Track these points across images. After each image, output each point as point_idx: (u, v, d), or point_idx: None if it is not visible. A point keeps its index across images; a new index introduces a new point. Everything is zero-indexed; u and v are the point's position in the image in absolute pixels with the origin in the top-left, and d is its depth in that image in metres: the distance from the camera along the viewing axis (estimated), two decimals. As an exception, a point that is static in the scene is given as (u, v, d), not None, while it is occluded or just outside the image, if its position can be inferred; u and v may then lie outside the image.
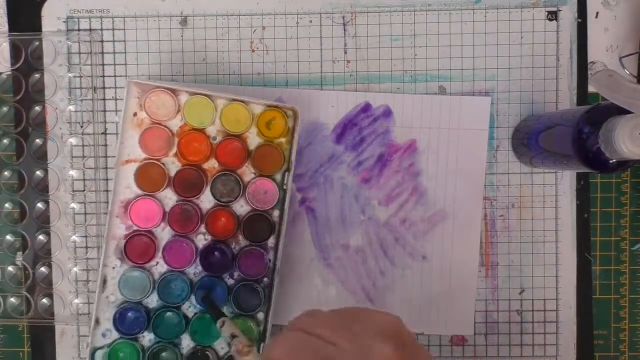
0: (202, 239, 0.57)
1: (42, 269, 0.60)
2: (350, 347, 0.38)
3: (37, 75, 0.59)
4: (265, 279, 0.57)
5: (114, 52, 0.60)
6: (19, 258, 0.60)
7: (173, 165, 0.57)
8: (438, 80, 0.59)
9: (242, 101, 0.56)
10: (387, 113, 0.59)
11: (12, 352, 0.60)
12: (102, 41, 0.60)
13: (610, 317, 0.60)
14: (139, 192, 0.57)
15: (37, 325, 0.60)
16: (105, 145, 0.60)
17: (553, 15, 0.59)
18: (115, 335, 0.56)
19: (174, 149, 0.57)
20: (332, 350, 0.38)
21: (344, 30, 0.59)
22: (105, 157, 0.60)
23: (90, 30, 0.60)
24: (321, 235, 0.60)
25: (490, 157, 0.59)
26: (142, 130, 0.56)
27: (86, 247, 0.60)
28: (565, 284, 0.60)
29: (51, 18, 0.59)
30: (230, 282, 0.57)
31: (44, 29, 0.59)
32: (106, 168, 0.60)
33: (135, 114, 0.56)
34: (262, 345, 0.56)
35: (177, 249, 0.57)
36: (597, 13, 0.59)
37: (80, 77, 0.59)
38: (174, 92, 0.56)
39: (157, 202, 0.57)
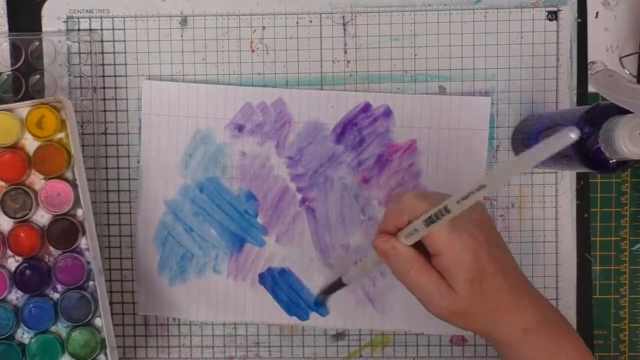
0: (13, 262, 0.55)
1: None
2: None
3: (37, 75, 0.59)
4: (90, 283, 0.55)
5: (114, 52, 0.60)
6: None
7: None
8: (438, 80, 0.59)
9: (5, 110, 0.54)
10: (387, 113, 0.59)
11: None
12: (102, 41, 0.60)
13: (610, 317, 0.60)
14: None
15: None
16: (105, 145, 0.60)
17: (553, 15, 0.59)
18: None
19: None
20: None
21: (344, 30, 0.59)
22: (105, 157, 0.60)
23: (90, 30, 0.60)
24: (321, 235, 0.60)
25: (490, 157, 0.59)
26: None
27: (86, 247, 0.60)
28: (565, 284, 0.60)
29: (51, 18, 0.59)
30: (56, 296, 0.55)
31: (44, 29, 0.59)
32: (106, 168, 0.60)
33: None
34: (106, 351, 0.54)
35: None
36: (597, 13, 0.59)
37: (80, 77, 0.59)
38: None
39: None
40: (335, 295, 0.57)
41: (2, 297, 0.55)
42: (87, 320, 0.55)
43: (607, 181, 0.60)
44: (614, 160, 0.48)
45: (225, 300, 0.60)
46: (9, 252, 0.55)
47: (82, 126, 0.60)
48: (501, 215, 0.60)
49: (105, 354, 0.55)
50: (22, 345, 0.55)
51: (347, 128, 0.59)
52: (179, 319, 0.61)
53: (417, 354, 0.60)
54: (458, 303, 0.44)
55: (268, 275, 0.60)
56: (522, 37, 0.59)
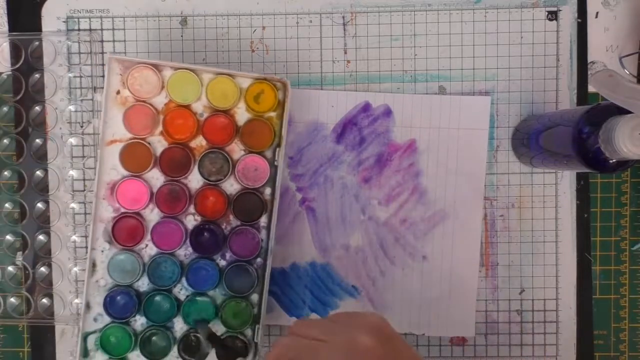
0: (191, 220, 0.56)
1: (42, 268, 0.60)
2: (338, 340, 0.42)
3: (37, 75, 0.59)
4: (259, 260, 0.56)
5: (114, 52, 0.60)
6: (19, 258, 0.60)
7: (159, 144, 0.56)
8: (438, 80, 0.59)
9: (229, 74, 0.55)
10: (387, 113, 0.59)
11: (12, 352, 0.60)
12: (102, 41, 0.60)
13: (610, 317, 0.60)
14: (125, 173, 0.56)
15: (37, 325, 0.60)
16: (105, 145, 0.60)
17: (553, 15, 0.59)
18: (106, 319, 0.56)
19: (160, 127, 0.55)
20: (322, 345, 0.43)
21: (344, 30, 0.59)
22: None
23: (90, 30, 0.60)
24: (321, 235, 0.60)
25: (490, 157, 0.59)
26: (126, 108, 0.55)
27: (86, 247, 0.60)
28: (565, 284, 0.60)
29: (51, 18, 0.59)
30: (222, 263, 0.56)
31: (44, 29, 0.59)
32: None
33: (118, 92, 0.55)
34: (257, 327, 0.56)
35: (166, 231, 0.56)
36: (597, 13, 0.59)
37: (80, 77, 0.59)
38: (157, 67, 0.55)
39: (144, 183, 0.55)
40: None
41: (173, 250, 0.56)
42: (246, 293, 0.56)
43: (607, 181, 0.60)
44: (614, 160, 0.48)
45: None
46: (192, 210, 0.56)
47: (82, 126, 0.60)
48: (501, 215, 0.60)
49: (253, 329, 0.56)
50: (177, 300, 0.56)
51: (347, 128, 0.59)
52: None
53: (417, 354, 0.60)
54: None
55: (268, 275, 0.60)
56: (522, 37, 0.59)
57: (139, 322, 0.56)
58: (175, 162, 0.55)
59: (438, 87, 0.59)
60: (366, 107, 0.59)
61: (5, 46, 0.59)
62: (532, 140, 0.56)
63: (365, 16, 0.59)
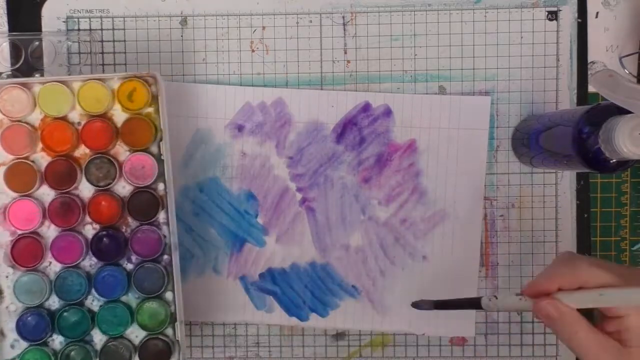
0: (90, 229, 0.55)
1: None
2: None
3: (37, 75, 0.59)
4: (165, 257, 0.55)
5: (114, 52, 0.60)
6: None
7: (43, 160, 0.55)
8: (438, 80, 0.59)
9: (98, 79, 0.54)
10: (387, 113, 0.59)
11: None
12: (102, 41, 0.60)
13: (610, 317, 0.60)
14: (14, 194, 0.55)
15: None
16: (105, 145, 0.60)
17: (553, 15, 0.59)
18: (23, 344, 0.55)
19: (39, 144, 0.55)
20: None
21: (344, 30, 0.59)
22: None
23: (90, 30, 0.60)
24: (321, 235, 0.60)
25: (490, 157, 0.59)
26: (2, 131, 0.54)
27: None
28: (565, 283, 0.60)
29: (51, 18, 0.59)
30: (129, 266, 0.56)
31: (44, 29, 0.59)
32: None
33: None
34: (176, 325, 0.55)
35: (65, 245, 0.55)
36: (597, 13, 0.59)
37: (80, 77, 0.60)
38: (25, 85, 0.54)
39: (34, 201, 0.54)
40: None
41: (76, 262, 0.55)
42: (159, 292, 0.55)
43: (607, 181, 0.60)
44: (614, 160, 0.48)
45: (224, 300, 0.60)
46: (88, 219, 0.55)
47: (82, 126, 0.60)
48: (501, 215, 0.60)
49: (174, 328, 0.55)
50: (91, 312, 0.55)
51: (347, 128, 0.59)
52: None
53: (417, 354, 0.60)
54: None
55: (268, 276, 0.60)
56: (522, 37, 0.59)
57: (57, 340, 0.55)
58: (61, 174, 0.55)
59: (438, 87, 0.59)
60: (366, 107, 0.59)
61: (5, 46, 0.59)
62: (532, 140, 0.56)
63: (365, 16, 0.59)
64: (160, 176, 0.55)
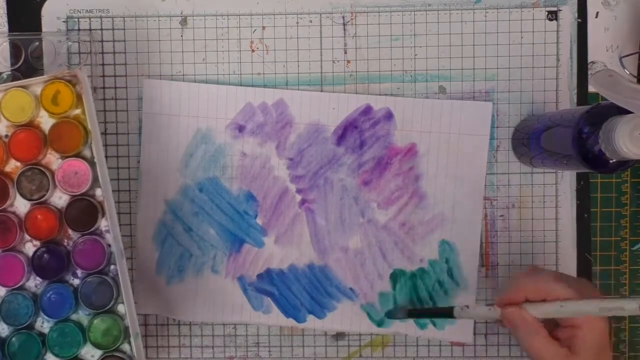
0: (31, 247, 0.53)
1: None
2: None
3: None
4: (112, 267, 0.53)
5: (114, 52, 0.60)
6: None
7: None
8: (438, 80, 0.59)
9: (19, 86, 0.52)
10: (388, 116, 0.59)
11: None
12: (102, 41, 0.60)
13: (610, 317, 0.60)
14: None
15: None
16: (105, 145, 0.60)
17: (553, 15, 0.59)
18: None
19: None
20: None
21: (344, 30, 0.59)
22: (105, 157, 0.59)
23: (90, 30, 0.60)
24: (320, 237, 0.60)
25: (490, 157, 0.59)
26: None
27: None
28: (566, 284, 0.59)
29: (51, 18, 0.59)
30: (76, 282, 0.53)
31: (44, 29, 0.59)
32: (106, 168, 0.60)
33: None
34: (131, 340, 0.52)
35: (5, 266, 0.52)
36: (597, 13, 0.59)
37: (80, 77, 0.60)
38: None
39: None
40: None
41: (21, 284, 0.52)
42: (109, 306, 0.52)
43: (607, 181, 0.60)
44: (614, 160, 0.48)
45: (223, 300, 0.60)
46: (26, 237, 0.53)
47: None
48: (501, 215, 0.59)
49: (129, 342, 0.53)
50: (42, 335, 0.53)
51: (347, 130, 0.59)
52: (179, 320, 0.60)
53: (417, 354, 0.60)
54: None
55: (266, 277, 0.60)
56: (522, 37, 0.59)
57: None
58: None
59: (438, 87, 0.59)
60: (367, 110, 0.59)
61: (5, 46, 0.59)
62: (532, 140, 0.56)
63: (365, 16, 0.59)
64: (96, 181, 0.52)
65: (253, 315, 0.60)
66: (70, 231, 0.53)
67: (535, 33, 0.59)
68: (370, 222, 0.59)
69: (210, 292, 0.60)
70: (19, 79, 0.59)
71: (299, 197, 0.60)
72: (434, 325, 0.59)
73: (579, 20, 0.59)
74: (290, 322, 0.60)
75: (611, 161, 0.48)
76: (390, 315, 0.59)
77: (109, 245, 0.53)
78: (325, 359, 0.60)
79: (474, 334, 0.59)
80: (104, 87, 0.60)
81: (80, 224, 0.52)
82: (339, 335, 0.60)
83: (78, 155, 0.53)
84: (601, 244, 0.60)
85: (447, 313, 0.54)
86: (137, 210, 0.60)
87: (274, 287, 0.60)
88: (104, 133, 0.60)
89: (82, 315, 0.53)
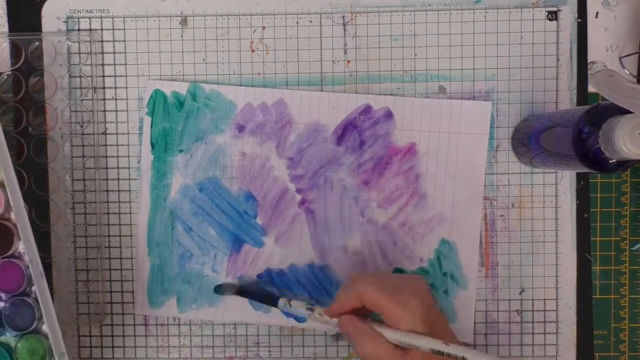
0: None
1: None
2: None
3: (37, 76, 0.59)
4: (33, 288, 0.53)
5: (114, 52, 0.60)
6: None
7: None
8: (438, 80, 0.59)
9: None
10: (388, 116, 0.59)
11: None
12: (102, 41, 0.60)
13: (610, 317, 0.60)
14: None
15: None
16: (105, 145, 0.60)
17: (553, 15, 0.59)
18: None
19: None
20: None
21: (344, 30, 0.59)
22: (105, 157, 0.60)
23: (90, 30, 0.60)
24: (320, 237, 0.60)
25: (490, 157, 0.59)
26: None
27: (86, 248, 0.60)
28: (565, 284, 0.60)
29: (51, 18, 0.59)
30: (1, 305, 0.53)
31: (44, 29, 0.59)
32: (106, 168, 0.60)
33: None
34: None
35: None
36: (597, 13, 0.59)
37: (80, 77, 0.59)
38: None
39: None
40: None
41: None
42: (32, 327, 0.53)
43: (607, 181, 0.60)
44: (614, 160, 0.48)
45: (223, 300, 0.60)
46: None
47: (82, 126, 0.60)
48: (501, 215, 0.60)
49: None
50: None
51: (347, 130, 0.59)
52: (178, 319, 0.61)
53: (417, 354, 0.60)
54: None
55: (266, 277, 0.60)
56: (522, 37, 0.59)
57: None
58: None
59: (438, 87, 0.59)
60: (367, 110, 0.59)
61: (5, 46, 0.59)
62: (532, 140, 0.56)
63: (365, 16, 0.59)
64: (6, 203, 0.51)
65: (253, 315, 0.60)
66: None
67: (535, 33, 0.59)
68: (370, 222, 0.60)
69: (210, 292, 0.60)
70: (19, 79, 0.59)
71: (298, 197, 0.60)
72: None
73: (579, 20, 0.59)
74: (291, 322, 0.60)
75: (611, 161, 0.48)
76: (218, 290, 0.59)
77: (26, 268, 0.53)
78: (325, 359, 0.61)
79: (474, 334, 0.60)
80: (104, 87, 0.60)
81: None
82: (339, 335, 0.60)
83: None
84: (601, 244, 0.60)
85: (273, 301, 0.56)
86: (138, 210, 0.60)
87: (274, 287, 0.60)
88: (104, 133, 0.60)
89: (9, 337, 0.54)
